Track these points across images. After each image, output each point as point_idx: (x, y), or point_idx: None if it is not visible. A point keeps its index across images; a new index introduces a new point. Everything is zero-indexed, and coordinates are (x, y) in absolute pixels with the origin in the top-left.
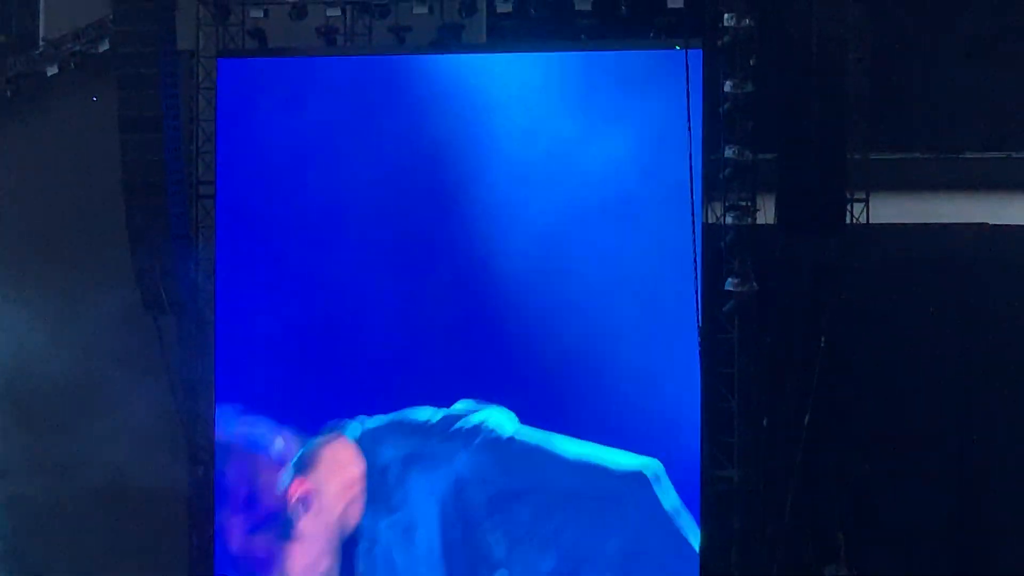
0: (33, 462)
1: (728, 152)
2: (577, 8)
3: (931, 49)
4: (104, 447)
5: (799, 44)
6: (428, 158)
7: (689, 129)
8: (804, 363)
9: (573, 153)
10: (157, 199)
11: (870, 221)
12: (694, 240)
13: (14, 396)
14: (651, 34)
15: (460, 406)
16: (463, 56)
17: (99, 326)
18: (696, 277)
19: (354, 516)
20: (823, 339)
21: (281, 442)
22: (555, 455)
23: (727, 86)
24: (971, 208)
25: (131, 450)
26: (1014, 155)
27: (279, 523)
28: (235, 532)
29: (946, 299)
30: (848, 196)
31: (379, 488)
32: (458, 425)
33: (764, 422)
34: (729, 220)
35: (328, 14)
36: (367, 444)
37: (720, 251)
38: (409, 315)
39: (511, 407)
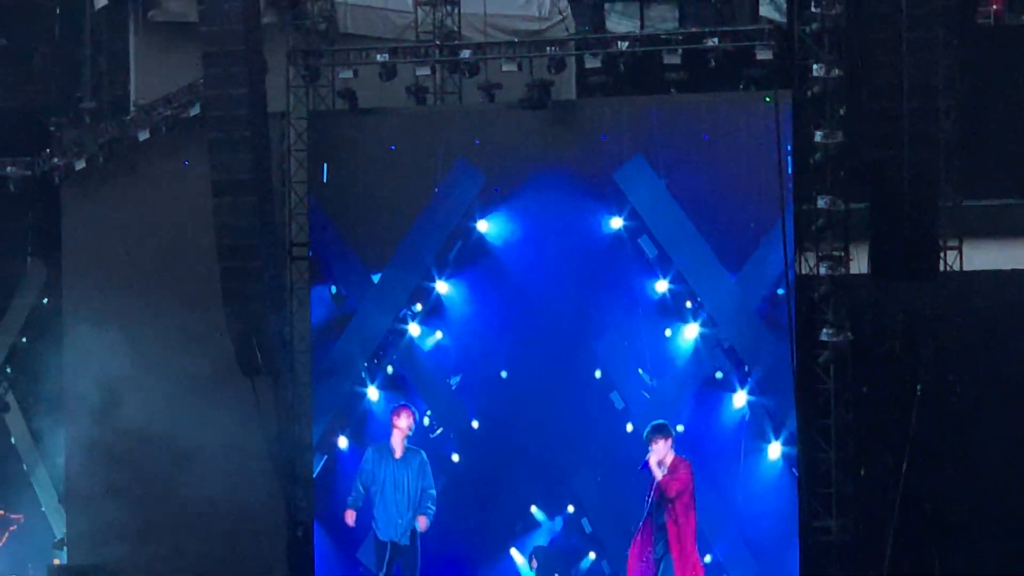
0: (121, 525)
1: (820, 202)
2: (666, 62)
3: (1021, 95)
4: (197, 508)
5: (889, 92)
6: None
7: (780, 180)
8: (900, 412)
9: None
10: (251, 262)
11: (963, 268)
12: (788, 291)
13: (111, 453)
14: (740, 86)
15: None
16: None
17: (195, 385)
18: (791, 328)
19: None
20: (919, 387)
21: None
22: None
23: (817, 136)
24: None
25: (227, 513)
26: None
27: None
28: None
29: None
30: (941, 243)
31: None
32: None
33: (861, 472)
34: (823, 270)
35: (418, 73)
36: None
37: (814, 302)
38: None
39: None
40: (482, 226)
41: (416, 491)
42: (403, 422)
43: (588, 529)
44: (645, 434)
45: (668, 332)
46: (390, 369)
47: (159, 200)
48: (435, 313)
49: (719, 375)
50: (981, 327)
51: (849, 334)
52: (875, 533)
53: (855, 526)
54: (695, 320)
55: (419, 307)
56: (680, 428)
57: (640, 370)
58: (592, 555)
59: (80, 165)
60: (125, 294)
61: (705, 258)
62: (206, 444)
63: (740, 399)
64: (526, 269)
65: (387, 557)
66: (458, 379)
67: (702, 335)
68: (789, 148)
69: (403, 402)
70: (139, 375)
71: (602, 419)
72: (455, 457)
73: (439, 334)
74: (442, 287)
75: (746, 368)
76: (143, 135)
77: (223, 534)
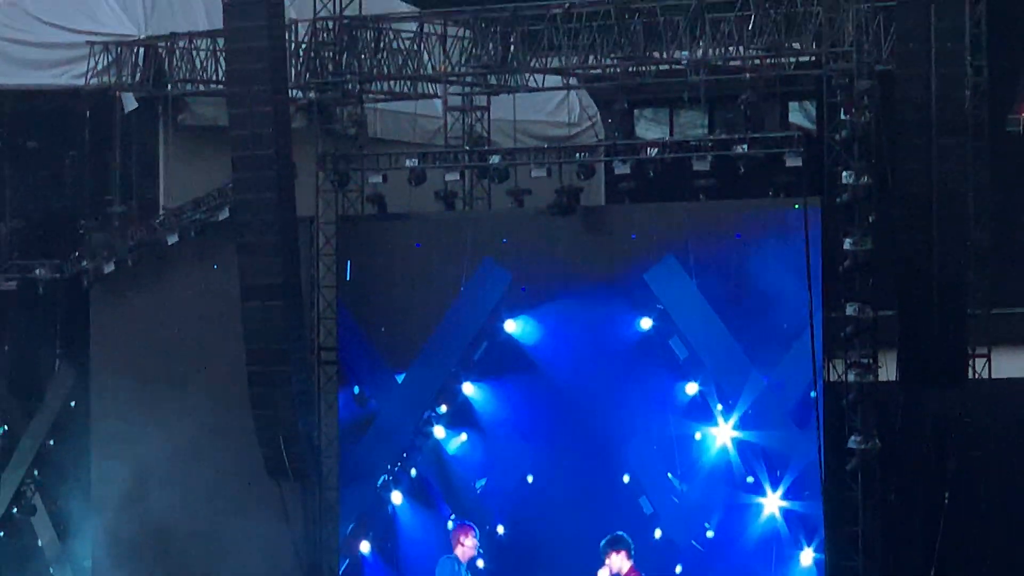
0: None
1: (849, 310)
2: (695, 168)
3: None
4: None
5: (919, 200)
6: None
7: (809, 288)
8: (928, 519)
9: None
10: (280, 366)
11: (992, 376)
12: (817, 398)
13: (138, 552)
14: (770, 192)
15: None
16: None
17: (223, 486)
18: (819, 435)
19: None
20: (947, 495)
21: None
22: None
23: (847, 243)
24: None
25: None
26: None
27: None
28: None
29: None
30: (970, 351)
31: None
32: None
33: None
34: (851, 377)
35: (447, 178)
36: None
37: (843, 409)
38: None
39: None
40: (509, 326)
41: None
42: (469, 541)
43: None
44: (601, 546)
45: (698, 435)
46: (414, 472)
47: (188, 303)
48: (460, 415)
49: (750, 480)
50: (1010, 435)
51: (877, 441)
52: None
53: None
54: (726, 423)
55: (444, 408)
56: (710, 534)
57: (669, 474)
58: None
59: (109, 268)
60: (153, 396)
61: (736, 359)
62: (234, 544)
63: (772, 504)
64: (553, 371)
65: None
66: (483, 483)
67: (733, 438)
68: (818, 255)
69: (465, 521)
70: (167, 476)
71: (630, 525)
72: (480, 563)
73: (464, 436)
74: (468, 388)
75: (778, 472)
76: (172, 239)
77: None
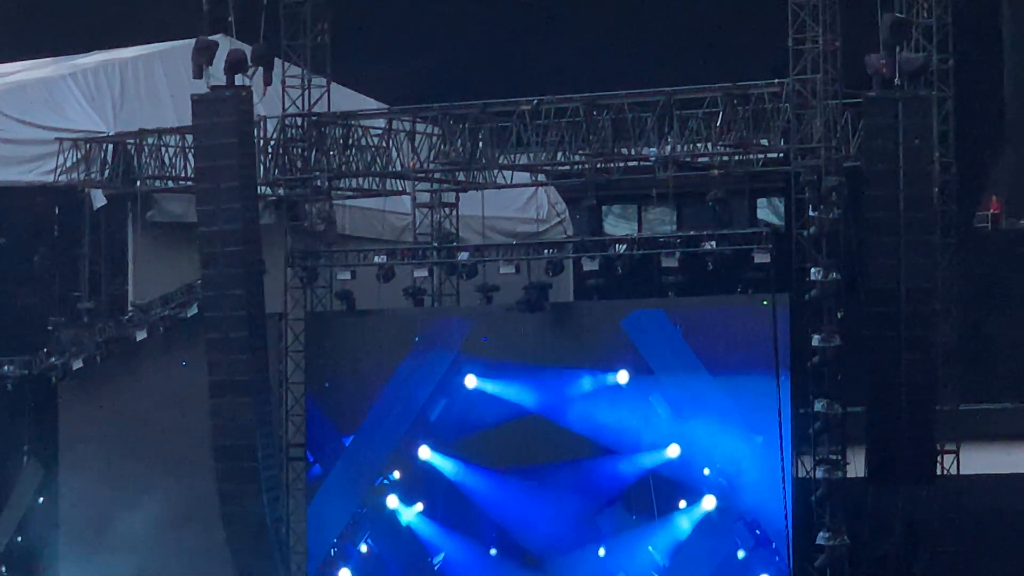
0: None
1: (817, 406)
2: (663, 264)
3: (1019, 299)
4: None
5: (887, 296)
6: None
7: (778, 384)
8: None
9: (652, 425)
10: (248, 462)
11: (961, 472)
12: (785, 495)
13: None
14: (738, 288)
15: None
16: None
17: None
18: (787, 531)
19: None
20: None
21: None
22: None
23: (815, 340)
24: None
25: None
26: None
27: None
28: None
29: None
30: (938, 448)
31: None
32: None
33: None
34: (819, 474)
35: (415, 275)
36: None
37: (811, 505)
38: None
39: None
40: (470, 381)
41: None
42: None
43: None
44: None
45: (682, 503)
46: (364, 548)
47: (156, 399)
48: (416, 482)
49: (741, 555)
50: (979, 531)
51: (846, 537)
52: None
53: None
54: (712, 491)
55: (397, 475)
56: None
57: (650, 547)
58: None
59: (77, 364)
60: (121, 492)
61: (724, 416)
62: None
63: None
64: (520, 438)
65: None
66: (441, 558)
67: (720, 508)
68: (787, 351)
69: None
70: (136, 570)
71: None
72: None
73: (420, 506)
74: (424, 452)
75: (773, 544)
76: (141, 335)
77: None
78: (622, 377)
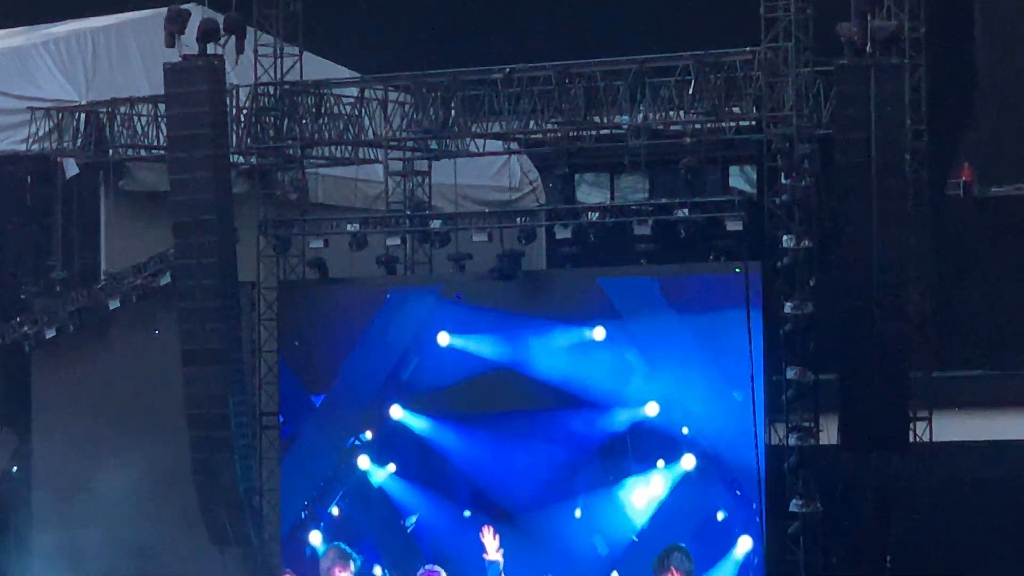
0: None
1: (790, 373)
2: (636, 232)
3: (991, 267)
4: None
5: (859, 264)
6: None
7: (751, 350)
8: None
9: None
10: (221, 431)
11: (933, 439)
12: (758, 462)
13: None
14: (710, 256)
15: None
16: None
17: (167, 549)
18: (760, 499)
19: None
20: (888, 559)
21: None
22: None
23: (787, 307)
24: None
25: None
26: None
27: None
28: None
29: (1011, 517)
30: (911, 415)
31: None
32: None
33: None
34: (792, 441)
35: (388, 243)
36: None
37: (784, 472)
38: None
39: None
40: (443, 339)
41: None
42: None
43: None
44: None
45: (660, 463)
46: (336, 510)
47: (129, 368)
48: (388, 443)
49: (721, 516)
50: (951, 499)
51: (819, 505)
52: None
53: None
54: (690, 450)
55: (369, 435)
56: None
57: (627, 509)
58: None
59: (50, 334)
60: (94, 461)
61: (704, 374)
62: None
63: (746, 543)
64: (494, 390)
65: None
66: (414, 520)
67: (700, 468)
68: (759, 319)
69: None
70: (108, 540)
71: (582, 567)
72: None
73: (392, 467)
74: (396, 412)
75: (754, 505)
76: (113, 304)
77: None
78: (598, 333)
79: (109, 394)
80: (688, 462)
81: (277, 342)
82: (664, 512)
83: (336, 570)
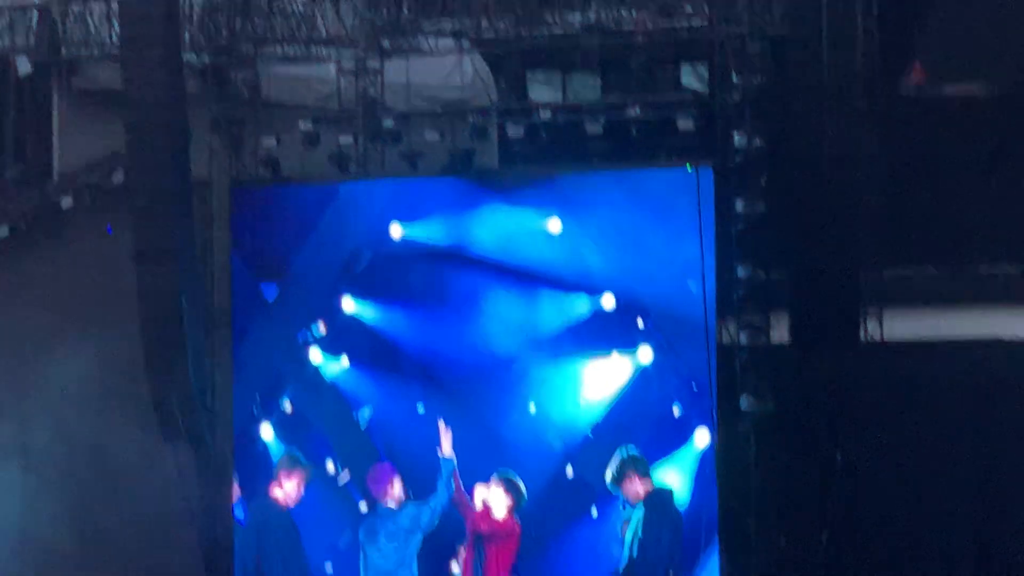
0: None
1: (741, 272)
2: (588, 132)
3: (943, 166)
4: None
5: (810, 162)
6: (437, 282)
7: (702, 249)
8: (822, 481)
9: (585, 275)
10: (174, 330)
11: (884, 338)
12: (709, 360)
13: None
14: (662, 156)
15: None
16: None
17: (117, 458)
18: (712, 397)
19: None
20: (839, 456)
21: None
22: None
23: (739, 206)
24: (985, 324)
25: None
26: None
27: None
28: None
29: (962, 415)
30: (862, 313)
31: None
32: None
33: (782, 541)
34: (743, 340)
35: (340, 141)
36: None
37: (734, 371)
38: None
39: None
40: (395, 231)
41: None
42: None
43: None
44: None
45: (616, 355)
46: (288, 405)
47: (83, 266)
48: (341, 336)
49: (677, 411)
50: (901, 397)
51: (770, 403)
52: None
53: None
54: (647, 342)
55: (322, 329)
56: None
57: (582, 404)
58: None
59: (3, 233)
60: (48, 359)
61: (660, 267)
62: (129, 496)
63: (704, 435)
64: (448, 283)
65: None
66: (368, 414)
67: (656, 362)
68: (711, 218)
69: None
70: (59, 438)
71: (536, 462)
72: (364, 507)
73: (345, 361)
74: (348, 305)
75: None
76: (67, 202)
77: None
78: (553, 225)
79: (62, 292)
80: (645, 355)
81: (229, 239)
82: (620, 406)
83: (282, 477)
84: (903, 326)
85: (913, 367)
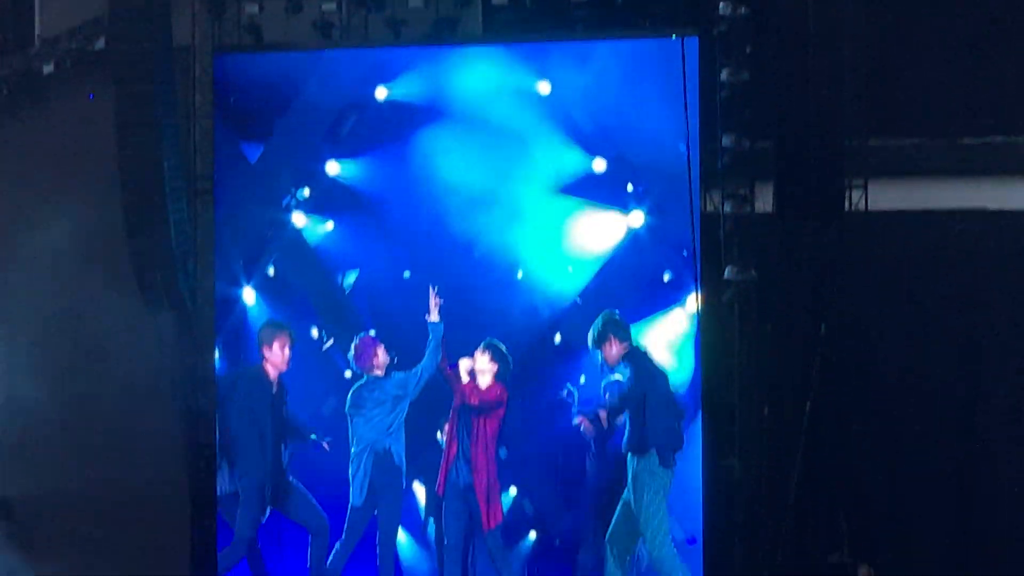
0: (26, 462)
1: (725, 141)
2: (573, 0)
3: (930, 34)
4: (102, 450)
5: (795, 31)
6: (423, 145)
7: (686, 118)
8: (805, 351)
9: (575, 137)
10: (155, 196)
11: (869, 208)
12: (692, 230)
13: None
14: (647, 23)
15: None
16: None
17: (99, 325)
18: (695, 267)
19: None
20: (823, 326)
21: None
22: None
23: (723, 75)
24: (971, 194)
25: (131, 450)
26: (1014, 140)
27: None
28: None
29: (946, 286)
30: (846, 183)
31: None
32: None
33: (765, 411)
34: (727, 209)
35: (324, 8)
36: None
37: (718, 240)
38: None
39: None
40: (381, 93)
41: None
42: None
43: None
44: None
45: (605, 218)
46: (271, 270)
47: (65, 135)
48: (326, 199)
49: (667, 277)
50: (886, 267)
51: (753, 273)
52: (780, 473)
53: (759, 466)
54: (639, 206)
55: (306, 192)
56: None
57: (570, 268)
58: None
59: None
60: (26, 226)
61: (651, 130)
62: (117, 361)
63: (692, 303)
64: (435, 145)
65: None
66: (353, 280)
67: (647, 225)
68: (695, 88)
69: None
70: (36, 306)
71: (524, 330)
72: (348, 374)
73: (330, 225)
74: (332, 167)
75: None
76: (48, 68)
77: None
78: (543, 87)
79: (43, 159)
80: (636, 218)
81: (212, 105)
82: (609, 271)
83: (264, 344)
84: (888, 196)
85: (898, 237)
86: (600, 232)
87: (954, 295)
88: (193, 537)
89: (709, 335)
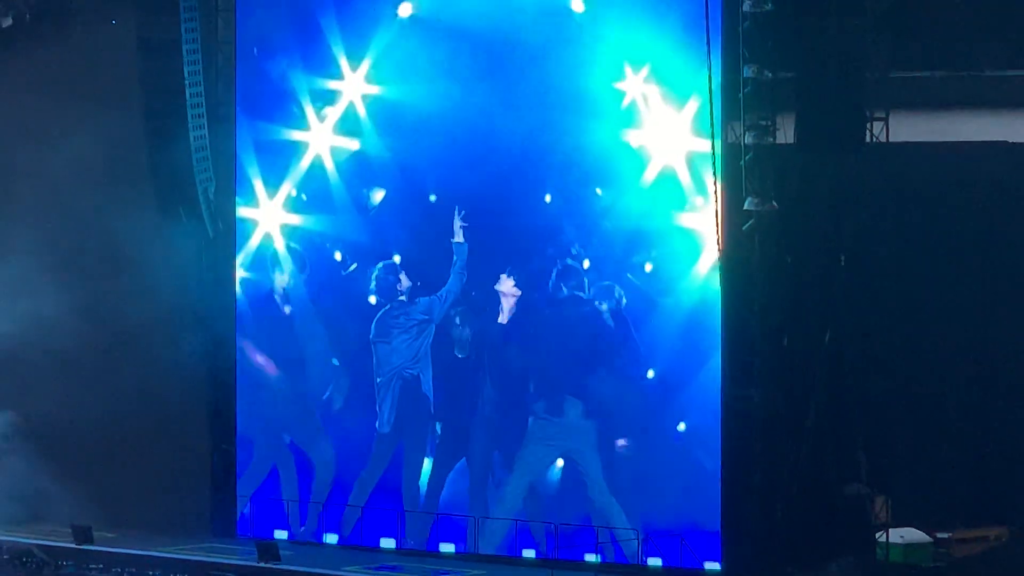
0: (52, 389)
1: (747, 71)
2: None
3: None
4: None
5: None
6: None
7: (708, 49)
8: (824, 282)
9: (591, 75)
10: (177, 120)
11: (889, 140)
12: (714, 159)
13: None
14: None
15: None
16: None
17: (120, 232)
18: (716, 197)
19: None
20: (843, 257)
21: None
22: None
23: (746, 5)
24: (990, 126)
25: (151, 375)
26: None
27: None
28: None
29: (965, 217)
30: (867, 115)
31: None
32: None
33: (785, 341)
34: (749, 139)
35: None
36: None
37: (740, 170)
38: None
39: None
40: (405, 10)
41: None
42: None
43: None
44: None
45: (632, 142)
46: (294, 191)
47: (87, 59)
48: (353, 120)
49: (699, 201)
50: (906, 198)
51: (774, 203)
52: (799, 403)
53: (778, 396)
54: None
55: (329, 112)
56: (649, 267)
57: (599, 190)
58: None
59: (7, 23)
60: (49, 146)
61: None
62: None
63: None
64: (462, 62)
65: None
66: (379, 201)
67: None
68: (718, 18)
69: None
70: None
71: (553, 255)
72: (372, 300)
73: (356, 144)
74: (357, 87)
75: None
76: None
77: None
78: (576, 5)
79: (64, 83)
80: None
81: (234, 27)
82: (633, 195)
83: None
84: (909, 128)
85: (918, 169)
86: (630, 155)
87: (974, 226)
88: (213, 462)
89: (729, 265)
